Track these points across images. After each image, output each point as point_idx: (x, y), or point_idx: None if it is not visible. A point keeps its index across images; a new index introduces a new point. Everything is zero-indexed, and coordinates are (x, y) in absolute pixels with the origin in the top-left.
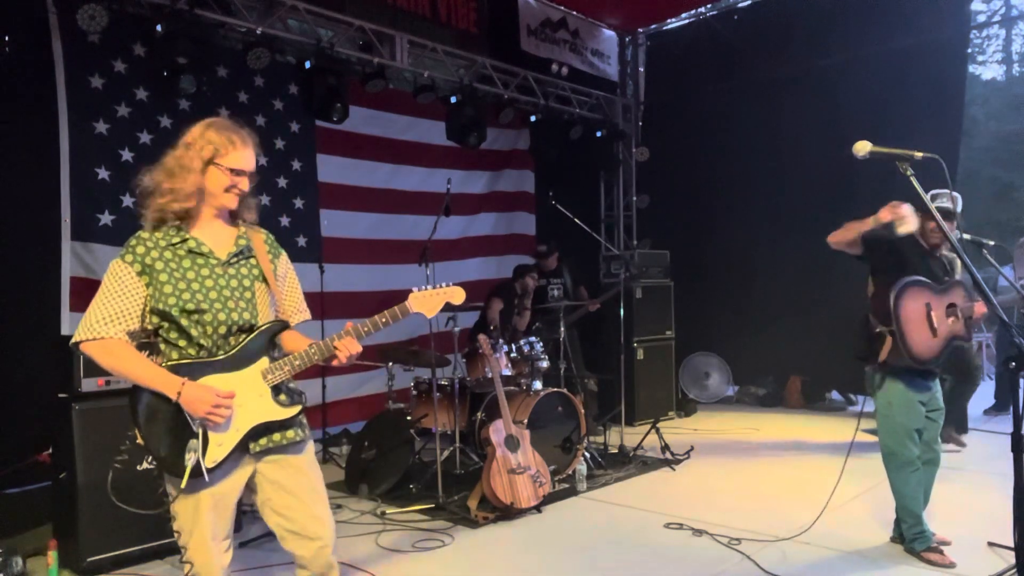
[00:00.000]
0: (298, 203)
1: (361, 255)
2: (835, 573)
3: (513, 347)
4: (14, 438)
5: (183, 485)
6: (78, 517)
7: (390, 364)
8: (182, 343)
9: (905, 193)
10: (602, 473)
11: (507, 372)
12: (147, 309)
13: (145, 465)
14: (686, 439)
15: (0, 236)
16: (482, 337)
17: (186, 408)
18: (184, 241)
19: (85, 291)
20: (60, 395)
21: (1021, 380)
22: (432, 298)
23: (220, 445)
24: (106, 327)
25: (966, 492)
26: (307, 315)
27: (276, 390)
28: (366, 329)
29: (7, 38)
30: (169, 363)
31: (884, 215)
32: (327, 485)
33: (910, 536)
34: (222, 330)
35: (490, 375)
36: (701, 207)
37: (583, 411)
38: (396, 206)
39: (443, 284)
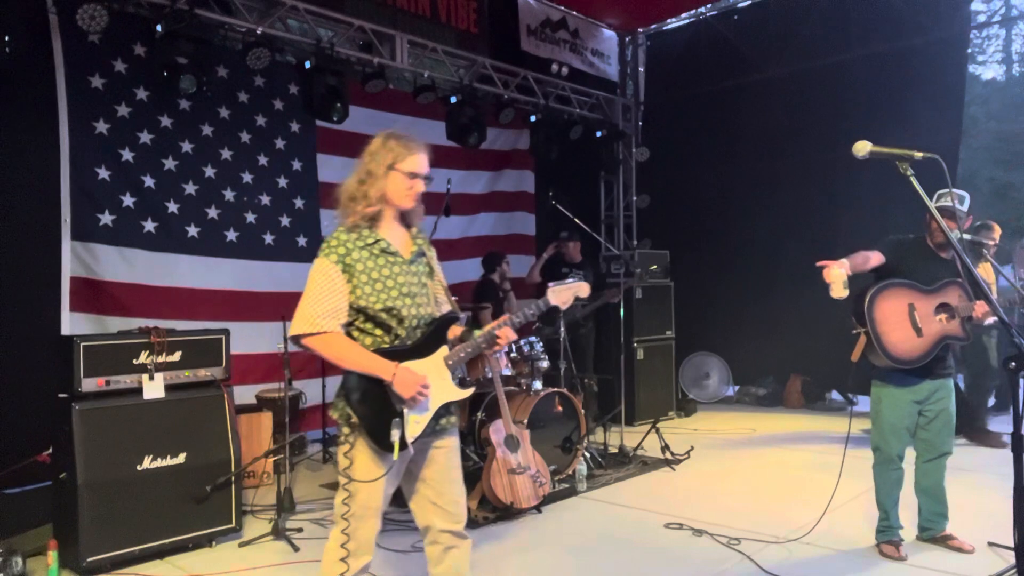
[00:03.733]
0: (299, 203)
1: None
2: (835, 573)
3: (513, 347)
4: (14, 438)
5: (395, 457)
6: (78, 517)
7: None
8: (378, 332)
9: (905, 193)
10: (602, 473)
11: (507, 372)
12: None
13: (146, 464)
14: (686, 439)
15: (0, 236)
16: None
17: (397, 389)
18: (376, 242)
19: (85, 291)
20: (60, 395)
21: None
22: (564, 292)
23: (417, 423)
24: (327, 321)
25: (966, 492)
26: (453, 306)
27: (454, 374)
28: (518, 320)
29: (7, 38)
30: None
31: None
32: (327, 485)
33: (877, 527)
34: (412, 323)
35: (490, 375)
36: (701, 207)
37: (583, 411)
38: None
39: (571, 279)
